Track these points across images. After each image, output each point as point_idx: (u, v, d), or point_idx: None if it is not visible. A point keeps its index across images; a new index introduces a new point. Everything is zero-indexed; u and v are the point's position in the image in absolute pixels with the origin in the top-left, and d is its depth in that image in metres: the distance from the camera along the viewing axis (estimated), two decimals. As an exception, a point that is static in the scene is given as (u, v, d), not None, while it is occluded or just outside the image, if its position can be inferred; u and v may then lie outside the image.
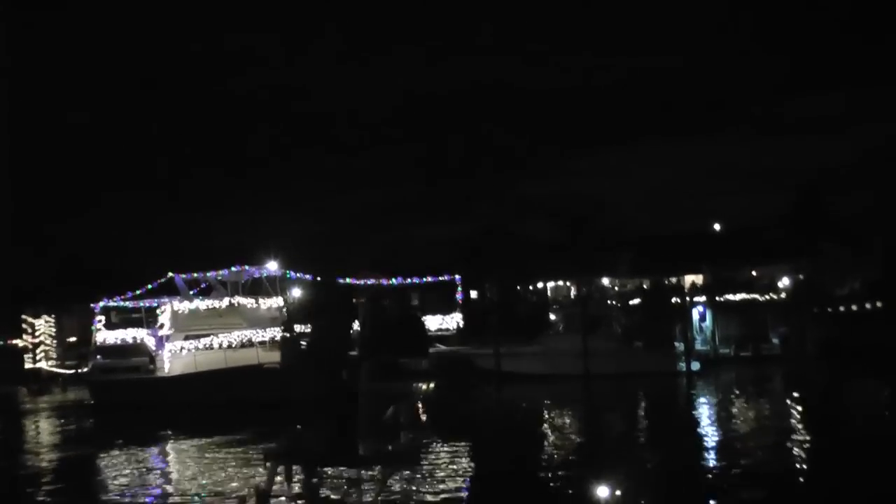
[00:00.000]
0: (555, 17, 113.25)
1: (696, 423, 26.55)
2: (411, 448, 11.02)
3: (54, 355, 54.48)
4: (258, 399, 30.32)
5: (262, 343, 33.57)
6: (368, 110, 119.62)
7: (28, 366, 53.42)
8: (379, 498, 11.63)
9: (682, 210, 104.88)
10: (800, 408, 29.52)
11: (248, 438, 24.03)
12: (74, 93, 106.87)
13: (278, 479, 10.87)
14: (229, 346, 33.82)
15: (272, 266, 36.80)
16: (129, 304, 38.80)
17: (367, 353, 10.98)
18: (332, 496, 12.05)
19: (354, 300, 13.88)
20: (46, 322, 54.98)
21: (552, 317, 49.89)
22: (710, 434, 24.27)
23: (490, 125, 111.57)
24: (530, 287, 57.98)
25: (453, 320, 33.10)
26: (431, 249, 58.08)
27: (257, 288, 37.80)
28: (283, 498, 11.30)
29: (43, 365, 53.38)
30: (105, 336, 37.99)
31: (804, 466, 19.10)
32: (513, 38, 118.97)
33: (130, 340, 37.08)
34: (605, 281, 57.22)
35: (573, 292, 56.98)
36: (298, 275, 36.62)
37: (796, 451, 20.95)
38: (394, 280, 35.80)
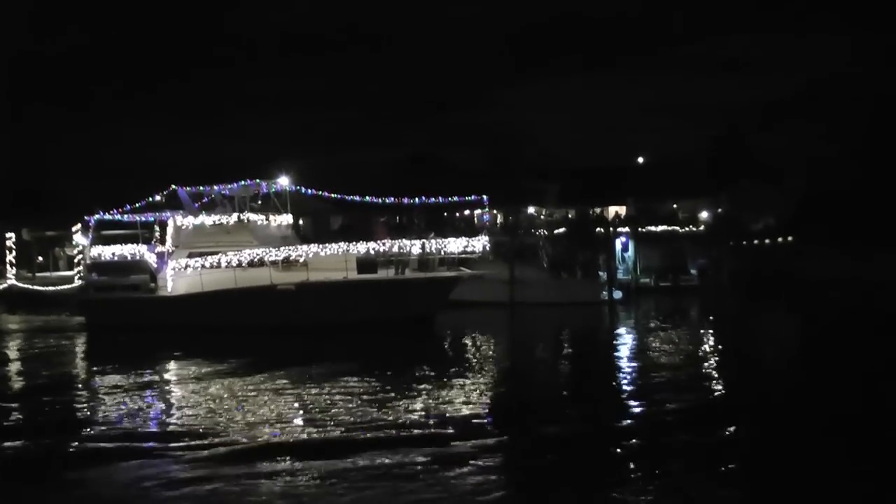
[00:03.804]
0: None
1: (612, 348, 27.45)
2: None
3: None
4: (271, 322, 29.90)
5: (274, 263, 31.37)
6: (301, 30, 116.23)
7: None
8: None
9: (608, 143, 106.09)
10: (712, 334, 30.94)
11: (258, 365, 22.61)
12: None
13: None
14: (238, 265, 31.42)
15: (283, 181, 34.22)
16: (125, 217, 35.95)
17: None
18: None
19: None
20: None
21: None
22: (623, 360, 25.02)
23: (422, 53, 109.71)
24: (457, 214, 58.02)
25: (479, 243, 31.12)
26: (366, 173, 57.13)
27: (263, 205, 34.74)
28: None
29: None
30: (100, 251, 34.87)
31: (710, 384, 20.07)
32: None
33: (129, 256, 34.26)
34: (532, 210, 57.72)
35: (499, 220, 57.27)
36: (311, 191, 34.47)
37: (703, 371, 22.16)
38: (416, 200, 34.15)
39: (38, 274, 50.93)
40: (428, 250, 31.31)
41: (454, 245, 31.30)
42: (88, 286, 35.36)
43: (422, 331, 29.96)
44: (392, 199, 34.05)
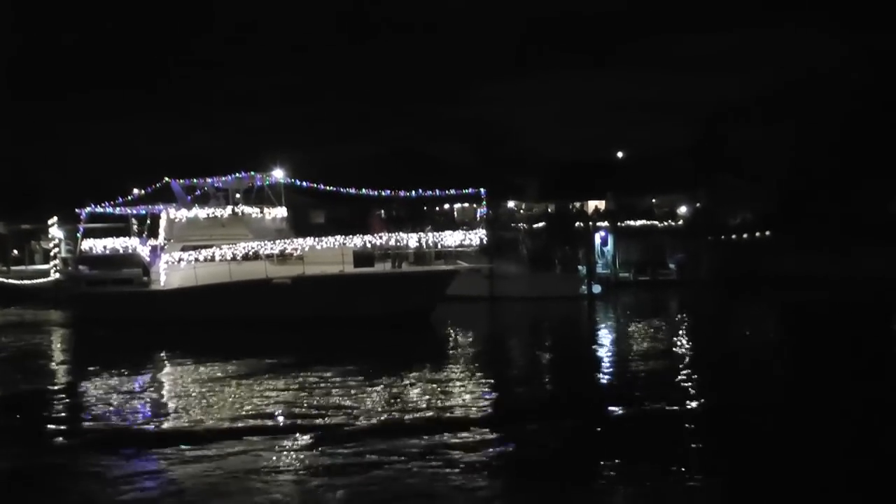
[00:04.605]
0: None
1: (593, 342, 27.70)
2: None
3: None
4: (266, 316, 29.54)
5: (269, 256, 30.98)
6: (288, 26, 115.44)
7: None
8: None
9: (588, 138, 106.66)
10: (689, 328, 31.12)
11: (255, 361, 21.98)
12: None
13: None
14: (233, 259, 31.02)
15: (278, 174, 33.67)
16: (117, 210, 35.74)
17: None
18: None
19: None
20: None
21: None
22: (604, 352, 25.19)
23: (404, 48, 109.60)
24: (437, 208, 58.05)
25: (476, 236, 30.62)
26: (350, 167, 56.94)
27: (255, 197, 34.36)
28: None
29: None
30: (91, 244, 34.52)
31: (686, 377, 20.23)
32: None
33: (121, 249, 33.91)
34: (512, 204, 57.85)
35: (479, 214, 57.32)
36: (303, 183, 33.67)
37: (680, 364, 22.20)
38: (412, 193, 33.50)
39: (13, 267, 50.47)
40: (425, 244, 30.94)
41: (451, 238, 30.97)
42: (79, 279, 34.83)
43: (419, 325, 29.55)
44: (388, 192, 33.76)
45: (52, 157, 68.12)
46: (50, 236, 48.08)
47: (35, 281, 46.58)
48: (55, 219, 47.47)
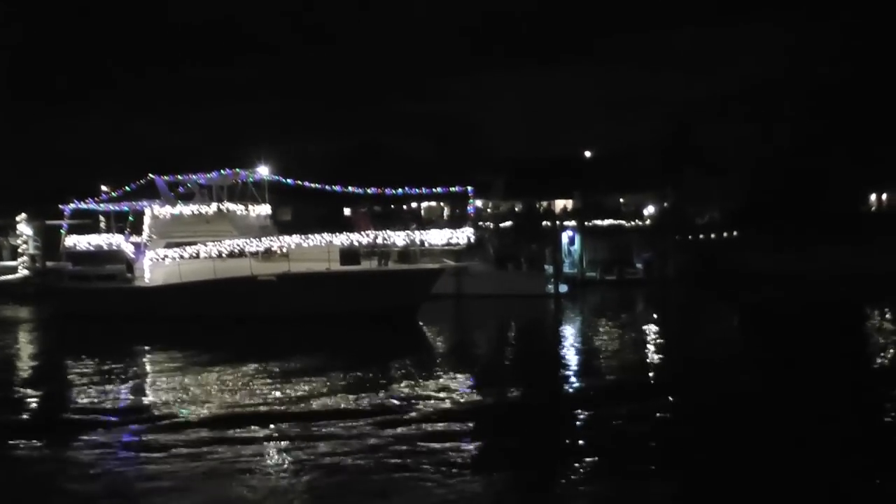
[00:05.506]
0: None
1: (553, 340, 28.07)
2: None
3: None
4: (251, 313, 29.73)
5: (254, 253, 31.17)
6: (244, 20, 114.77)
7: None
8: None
9: (555, 136, 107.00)
10: (654, 327, 31.54)
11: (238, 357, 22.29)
12: None
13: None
14: (218, 256, 31.14)
15: (263, 171, 33.80)
16: (101, 207, 35.93)
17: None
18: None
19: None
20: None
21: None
22: (567, 349, 25.64)
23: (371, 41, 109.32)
24: (404, 207, 58.27)
25: (464, 234, 30.68)
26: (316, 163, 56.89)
27: (239, 194, 34.39)
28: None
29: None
30: (76, 240, 34.72)
31: (649, 374, 20.76)
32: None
33: (105, 246, 34.21)
34: (479, 203, 58.15)
35: (446, 213, 57.72)
36: (288, 180, 33.59)
37: (646, 361, 22.78)
38: (398, 190, 33.49)
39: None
40: (411, 241, 31.03)
41: (438, 237, 31.11)
42: (62, 275, 34.79)
43: (405, 322, 29.73)
44: (375, 189, 33.82)
45: (18, 154, 67.54)
46: (18, 233, 47.96)
47: (2, 277, 46.45)
48: (23, 215, 47.37)
